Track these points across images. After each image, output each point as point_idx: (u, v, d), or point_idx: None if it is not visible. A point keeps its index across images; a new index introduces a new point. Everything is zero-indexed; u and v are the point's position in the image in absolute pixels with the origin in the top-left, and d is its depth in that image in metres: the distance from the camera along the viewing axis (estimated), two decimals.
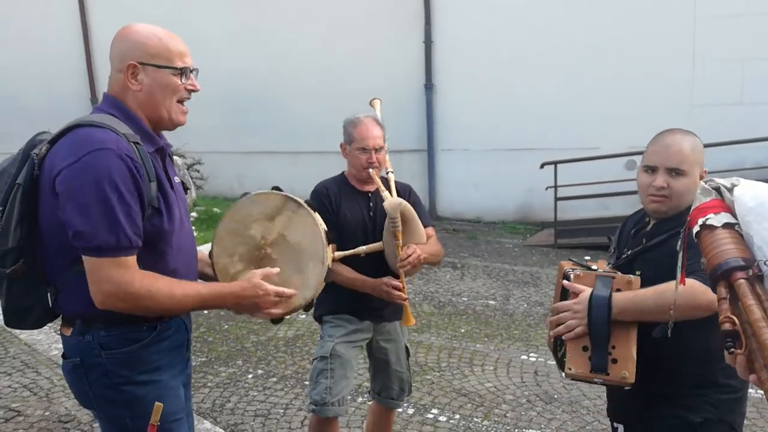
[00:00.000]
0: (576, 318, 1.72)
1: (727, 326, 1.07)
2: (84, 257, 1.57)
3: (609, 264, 2.01)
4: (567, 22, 8.44)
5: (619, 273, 1.81)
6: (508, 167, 8.97)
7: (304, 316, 5.28)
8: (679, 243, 1.65)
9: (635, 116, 7.94)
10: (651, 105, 7.90)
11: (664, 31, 7.99)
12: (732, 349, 1.08)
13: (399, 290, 2.51)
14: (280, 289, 1.78)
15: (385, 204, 2.43)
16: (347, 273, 2.52)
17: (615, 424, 1.99)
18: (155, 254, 1.66)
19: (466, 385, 3.99)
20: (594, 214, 8.09)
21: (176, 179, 1.81)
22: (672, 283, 1.55)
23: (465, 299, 5.79)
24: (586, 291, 1.71)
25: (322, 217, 2.41)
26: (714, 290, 1.12)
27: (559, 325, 1.77)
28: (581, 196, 7.98)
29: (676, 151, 1.80)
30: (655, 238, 1.87)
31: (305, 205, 1.89)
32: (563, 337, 1.75)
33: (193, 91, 1.76)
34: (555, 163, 7.82)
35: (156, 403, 1.40)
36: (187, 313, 1.85)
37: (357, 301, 2.56)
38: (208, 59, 9.87)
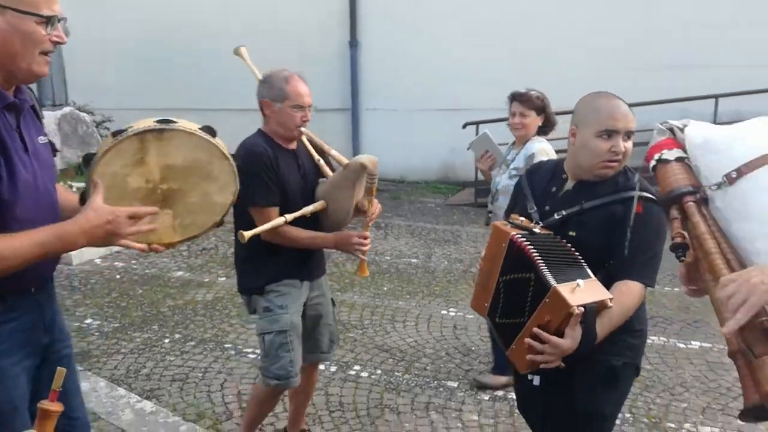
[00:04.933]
0: (562, 354, 1.72)
1: (678, 240, 1.32)
2: None
3: (538, 223, 1.92)
4: None
5: (585, 265, 1.78)
6: (432, 127, 9.01)
7: (223, 279, 5.16)
8: (637, 176, 1.90)
9: (556, 79, 8.12)
10: (574, 69, 8.09)
11: None
12: (682, 258, 1.34)
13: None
14: (132, 209, 1.54)
15: (363, 160, 2.37)
16: (303, 234, 2.46)
17: (530, 376, 1.94)
18: None
19: (387, 341, 4.04)
20: None
21: (41, 139, 1.60)
22: (628, 292, 1.76)
23: (388, 258, 5.83)
24: (578, 332, 1.68)
25: (268, 180, 2.33)
26: (666, 211, 1.37)
27: (535, 346, 1.74)
28: None
29: (632, 117, 1.86)
30: (589, 201, 1.87)
31: (163, 124, 1.61)
32: (541, 366, 1.75)
33: (59, 43, 1.54)
34: (477, 123, 7.91)
35: (58, 368, 1.27)
36: (43, 292, 1.65)
37: (299, 263, 2.53)
38: (117, 13, 9.30)
